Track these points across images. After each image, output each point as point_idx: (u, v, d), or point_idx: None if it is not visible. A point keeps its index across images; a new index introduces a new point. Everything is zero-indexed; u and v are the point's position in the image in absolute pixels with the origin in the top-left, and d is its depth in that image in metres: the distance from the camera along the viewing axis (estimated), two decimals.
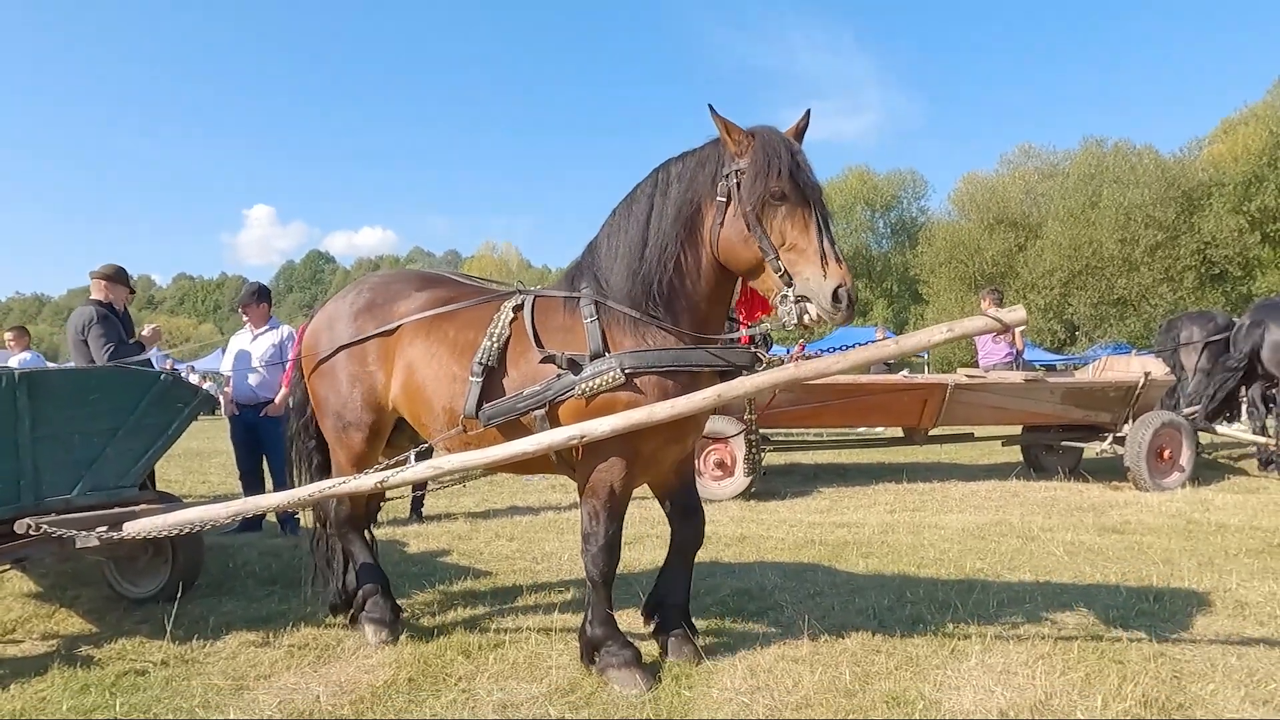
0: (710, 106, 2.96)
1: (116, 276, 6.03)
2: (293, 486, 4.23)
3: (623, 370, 3.01)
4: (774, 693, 3.14)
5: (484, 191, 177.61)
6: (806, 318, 2.82)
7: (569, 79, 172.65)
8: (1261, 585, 4.47)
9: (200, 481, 10.08)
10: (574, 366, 3.08)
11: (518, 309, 3.34)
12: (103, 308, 5.73)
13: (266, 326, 6.89)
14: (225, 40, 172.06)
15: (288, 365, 6.71)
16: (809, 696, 3.09)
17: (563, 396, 3.09)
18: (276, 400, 6.58)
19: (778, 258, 2.87)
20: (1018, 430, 9.20)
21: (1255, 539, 5.77)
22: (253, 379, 6.68)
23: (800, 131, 3.03)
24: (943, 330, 2.90)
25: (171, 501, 4.34)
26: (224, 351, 7.75)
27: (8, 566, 4.31)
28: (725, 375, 3.13)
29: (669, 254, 3.04)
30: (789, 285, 2.85)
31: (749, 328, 3.20)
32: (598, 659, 3.30)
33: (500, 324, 3.30)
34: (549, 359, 3.12)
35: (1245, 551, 5.42)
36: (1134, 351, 10.09)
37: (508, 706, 3.06)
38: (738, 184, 2.91)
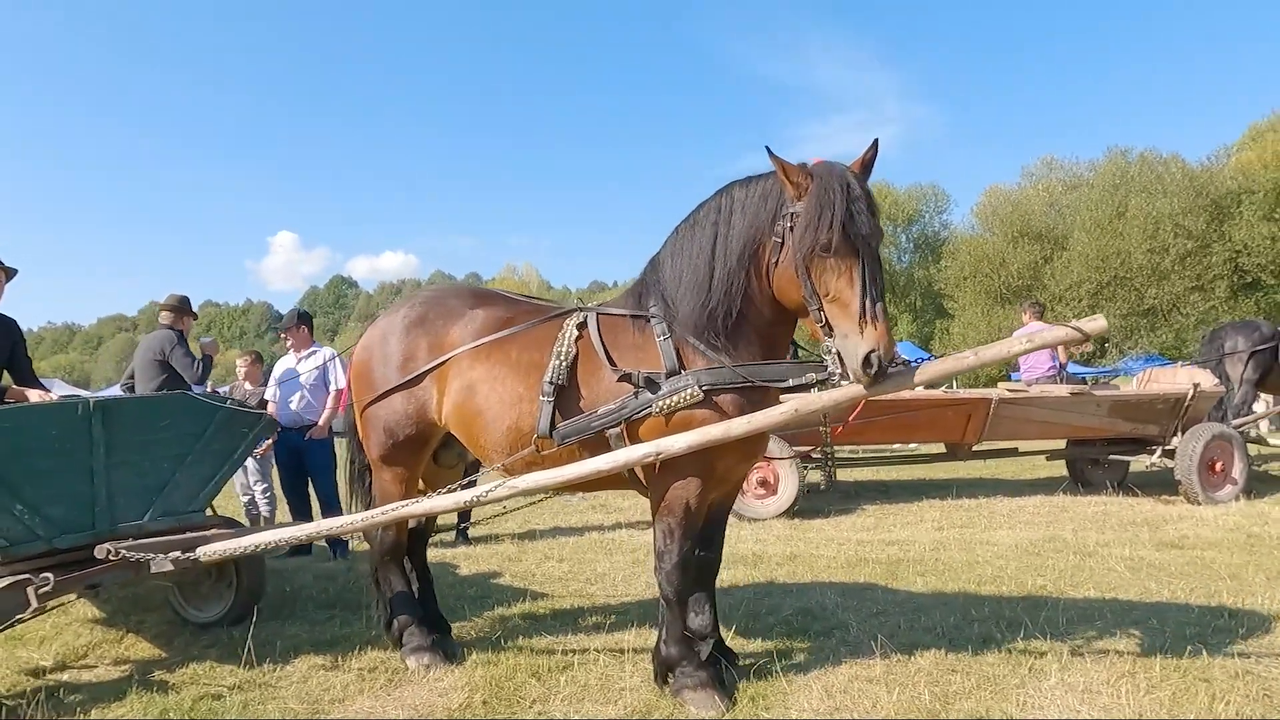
0: (768, 149, 2.91)
1: (182, 306, 6.31)
2: (352, 506, 4.29)
3: (700, 387, 3.01)
4: (853, 714, 3.10)
5: (502, 214, 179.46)
6: (839, 374, 2.83)
7: (586, 93, 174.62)
8: None
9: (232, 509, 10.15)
10: (650, 384, 3.08)
11: (581, 326, 3.35)
12: (176, 333, 5.97)
13: (309, 349, 6.98)
14: (250, 68, 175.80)
15: (339, 388, 6.80)
16: (890, 718, 3.05)
17: (640, 414, 3.09)
18: (320, 422, 6.65)
19: (821, 309, 2.84)
20: (1062, 444, 9.09)
21: None
22: (296, 402, 6.75)
23: (866, 164, 2.95)
24: (1022, 341, 2.90)
25: (236, 527, 4.39)
26: (242, 376, 7.86)
27: (74, 595, 4.38)
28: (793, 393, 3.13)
29: (735, 290, 3.03)
30: (829, 336, 2.84)
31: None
32: (672, 680, 3.27)
33: (566, 342, 3.30)
34: (625, 377, 3.12)
35: None
36: (1180, 363, 9.94)
37: None
38: (792, 227, 2.89)
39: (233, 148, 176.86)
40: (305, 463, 6.71)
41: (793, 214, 2.89)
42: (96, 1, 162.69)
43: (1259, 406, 9.82)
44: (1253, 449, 9.18)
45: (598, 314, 3.41)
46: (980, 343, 34.77)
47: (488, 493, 3.19)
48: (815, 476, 10.08)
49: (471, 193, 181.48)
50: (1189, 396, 8.05)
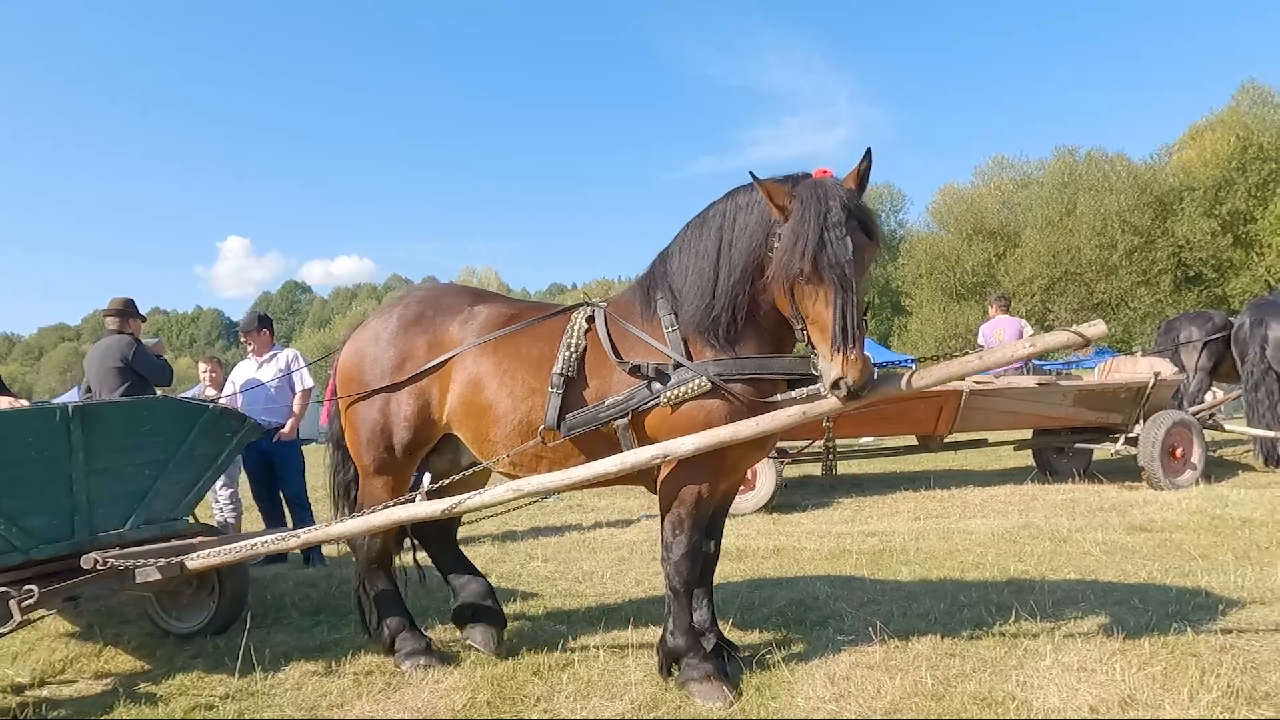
0: (751, 174, 2.94)
1: (128, 309, 6.14)
2: (337, 517, 4.17)
3: (708, 378, 3.02)
4: (859, 699, 3.14)
5: (460, 218, 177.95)
6: (822, 391, 2.88)
7: (542, 99, 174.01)
8: None
9: (209, 515, 9.90)
10: (659, 376, 3.09)
11: (590, 320, 3.35)
12: (131, 337, 5.82)
13: (270, 353, 6.84)
14: (195, 69, 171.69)
15: (306, 388, 6.66)
16: (895, 702, 3.09)
17: (647, 405, 3.10)
18: (288, 426, 6.53)
19: (804, 329, 2.90)
20: (1029, 434, 9.30)
21: None
22: (263, 405, 6.58)
23: (861, 176, 2.90)
24: (1025, 345, 2.96)
25: (221, 534, 4.28)
26: (209, 381, 7.67)
27: (46, 612, 4.22)
28: (794, 386, 3.15)
29: (741, 300, 3.06)
30: (814, 353, 2.89)
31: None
32: (678, 672, 3.28)
33: (575, 335, 3.30)
34: (634, 369, 3.13)
35: (1276, 544, 5.49)
36: (1140, 351, 10.23)
37: None
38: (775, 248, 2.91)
39: (179, 151, 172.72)
40: (274, 467, 6.57)
41: (780, 234, 2.90)
42: (30, 7, 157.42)
43: (1209, 397, 10.16)
44: (1209, 435, 9.50)
45: (606, 308, 3.40)
46: (937, 339, 35.39)
47: (490, 494, 3.16)
48: (798, 470, 10.21)
49: (428, 197, 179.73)
50: (1150, 385, 8.30)
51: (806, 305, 2.85)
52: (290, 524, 6.35)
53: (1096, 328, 2.87)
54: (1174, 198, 34.42)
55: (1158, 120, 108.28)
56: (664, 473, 3.20)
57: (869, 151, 2.89)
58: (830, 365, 2.76)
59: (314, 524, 4.84)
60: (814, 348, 2.87)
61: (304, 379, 6.66)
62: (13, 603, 3.19)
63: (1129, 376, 8.73)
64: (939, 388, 8.00)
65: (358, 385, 3.72)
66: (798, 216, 2.80)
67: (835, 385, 2.75)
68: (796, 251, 2.76)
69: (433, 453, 3.85)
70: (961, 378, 3.41)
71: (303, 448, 7.01)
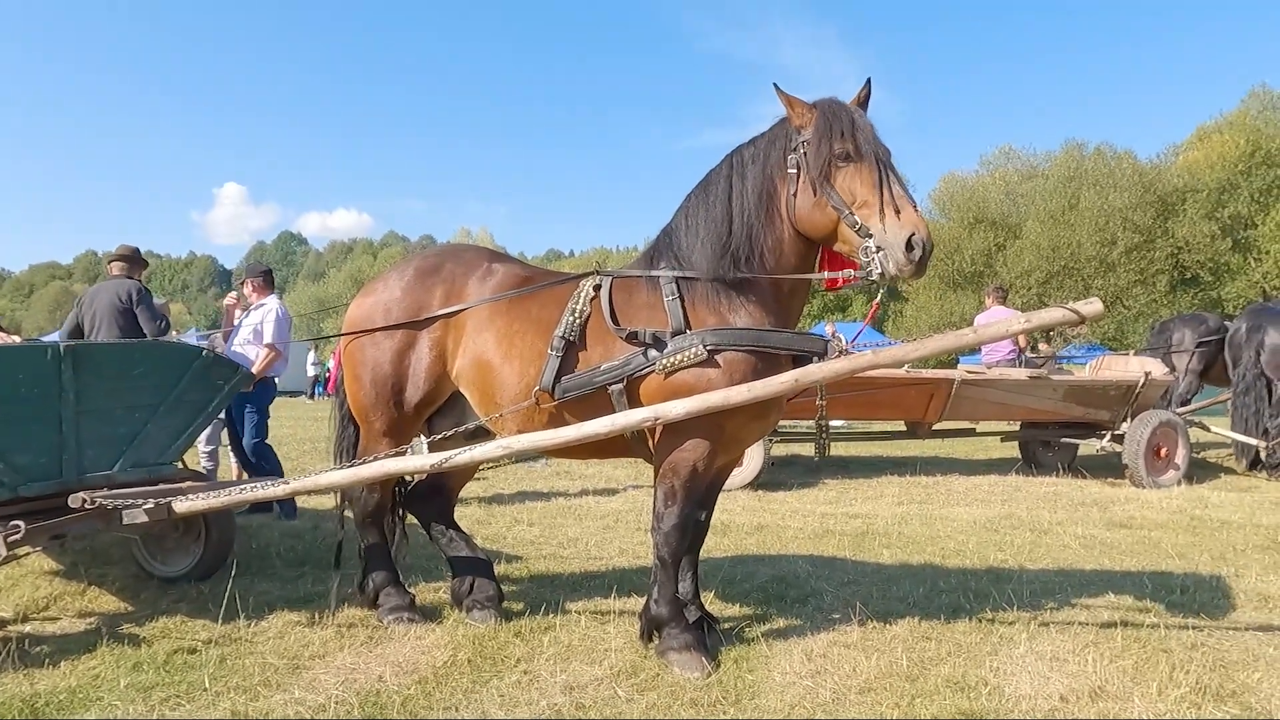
0: (775, 85, 3.09)
1: (136, 257, 6.12)
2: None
3: (705, 347, 3.04)
4: (835, 677, 3.18)
5: (459, 177, 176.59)
6: (888, 268, 2.87)
7: (546, 64, 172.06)
8: (1279, 579, 4.61)
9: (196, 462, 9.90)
10: (657, 343, 3.10)
11: (597, 288, 3.36)
12: (140, 283, 5.85)
13: (260, 303, 6.73)
14: (201, 10, 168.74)
15: (268, 342, 6.49)
16: (870, 681, 3.14)
17: (642, 371, 3.12)
18: (255, 370, 6.42)
19: (852, 214, 2.94)
20: (1016, 426, 9.36)
21: (1260, 535, 5.93)
22: (236, 348, 6.46)
23: (863, 101, 3.14)
24: (1021, 320, 2.97)
25: (209, 480, 4.29)
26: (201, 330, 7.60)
27: (31, 549, 4.22)
28: (796, 363, 3.16)
29: (755, 232, 3.13)
30: (868, 237, 2.91)
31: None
32: (658, 640, 3.32)
33: (581, 301, 3.32)
34: (632, 335, 3.14)
35: (1252, 547, 5.56)
36: (1133, 352, 10.27)
37: (573, 688, 3.06)
38: (805, 154, 3.02)
39: (179, 90, 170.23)
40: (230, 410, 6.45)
41: (803, 141, 3.04)
42: None
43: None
44: (1193, 434, 9.58)
45: (613, 277, 3.41)
46: (932, 326, 35.37)
47: (480, 450, 3.16)
48: (786, 450, 10.24)
49: (426, 156, 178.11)
50: (1140, 384, 8.34)
51: (852, 188, 2.93)
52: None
53: (1093, 305, 2.88)
54: (1177, 198, 34.35)
55: (1168, 119, 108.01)
56: (660, 442, 3.21)
57: (869, 80, 3.15)
58: (899, 229, 2.82)
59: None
60: (867, 234, 2.89)
61: (268, 332, 6.49)
62: None
63: (1119, 374, 8.78)
64: (930, 375, 8.15)
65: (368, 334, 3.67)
66: (824, 110, 3.02)
67: (909, 245, 2.80)
68: (834, 133, 2.94)
69: (437, 415, 3.83)
70: (956, 351, 3.44)
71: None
